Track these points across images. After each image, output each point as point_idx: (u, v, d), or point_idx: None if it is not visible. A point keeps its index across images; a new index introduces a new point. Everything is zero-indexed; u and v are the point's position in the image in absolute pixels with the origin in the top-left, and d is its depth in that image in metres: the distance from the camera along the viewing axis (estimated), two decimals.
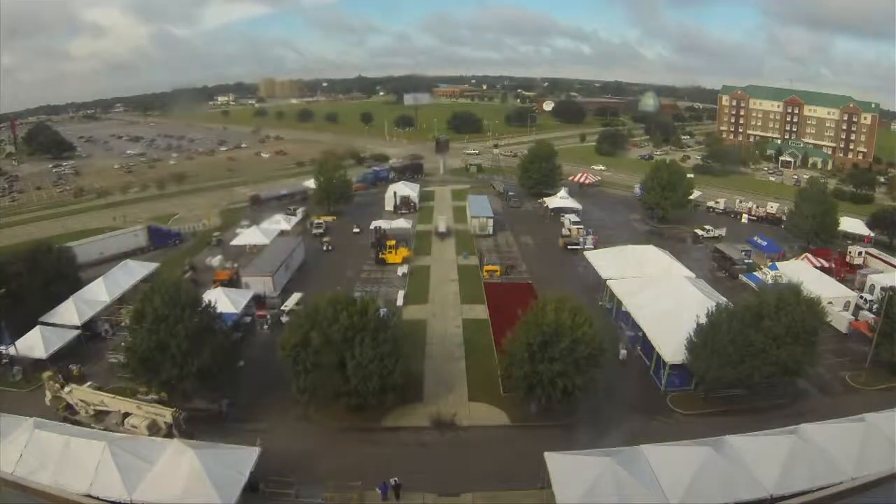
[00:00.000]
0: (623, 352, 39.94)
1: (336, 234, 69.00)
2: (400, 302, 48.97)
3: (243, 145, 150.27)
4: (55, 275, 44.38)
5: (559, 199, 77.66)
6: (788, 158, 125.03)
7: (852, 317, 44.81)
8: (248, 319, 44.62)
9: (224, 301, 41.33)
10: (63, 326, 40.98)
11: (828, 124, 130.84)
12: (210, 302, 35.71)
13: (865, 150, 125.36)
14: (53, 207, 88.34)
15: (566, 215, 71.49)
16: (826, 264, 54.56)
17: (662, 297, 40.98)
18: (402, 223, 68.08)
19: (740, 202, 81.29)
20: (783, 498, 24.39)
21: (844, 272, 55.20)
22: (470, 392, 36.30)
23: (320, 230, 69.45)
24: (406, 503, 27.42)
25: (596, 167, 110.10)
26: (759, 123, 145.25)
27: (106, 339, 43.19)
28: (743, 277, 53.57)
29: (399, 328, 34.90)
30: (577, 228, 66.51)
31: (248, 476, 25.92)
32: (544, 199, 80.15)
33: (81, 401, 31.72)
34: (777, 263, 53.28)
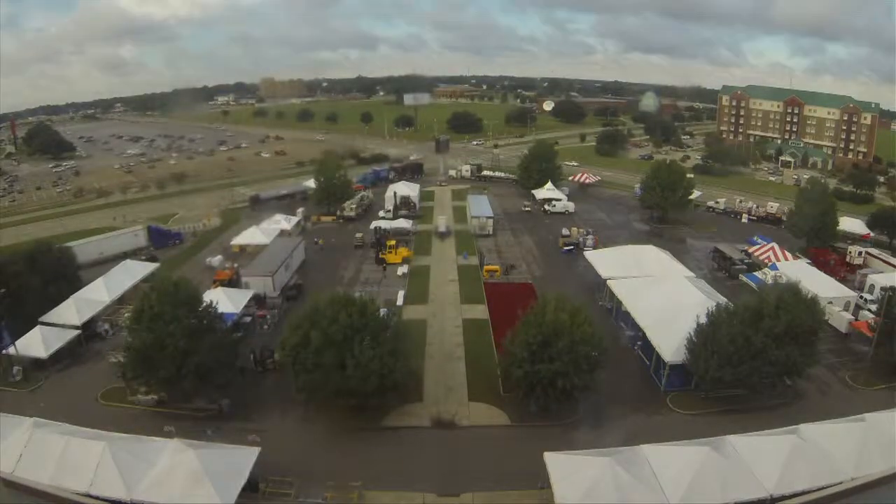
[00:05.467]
0: None
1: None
2: (400, 302, 48.90)
3: (243, 145, 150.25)
4: (55, 275, 44.30)
5: (546, 191, 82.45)
6: (788, 158, 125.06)
7: (852, 317, 44.75)
8: (247, 319, 44.67)
9: (224, 301, 41.29)
10: (63, 326, 40.90)
11: (828, 124, 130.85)
12: (210, 301, 35.70)
13: (865, 150, 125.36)
14: (53, 207, 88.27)
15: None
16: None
17: (662, 297, 40.90)
18: (402, 223, 68.11)
19: (740, 202, 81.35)
20: (783, 498, 24.35)
21: (844, 272, 55.22)
22: (470, 392, 36.25)
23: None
24: (406, 503, 27.43)
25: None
26: (759, 123, 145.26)
27: (106, 339, 43.14)
28: (743, 277, 53.61)
29: (399, 328, 34.87)
30: (577, 228, 67.18)
31: (248, 476, 25.92)
32: (533, 192, 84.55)
33: None
34: (777, 263, 53.30)
